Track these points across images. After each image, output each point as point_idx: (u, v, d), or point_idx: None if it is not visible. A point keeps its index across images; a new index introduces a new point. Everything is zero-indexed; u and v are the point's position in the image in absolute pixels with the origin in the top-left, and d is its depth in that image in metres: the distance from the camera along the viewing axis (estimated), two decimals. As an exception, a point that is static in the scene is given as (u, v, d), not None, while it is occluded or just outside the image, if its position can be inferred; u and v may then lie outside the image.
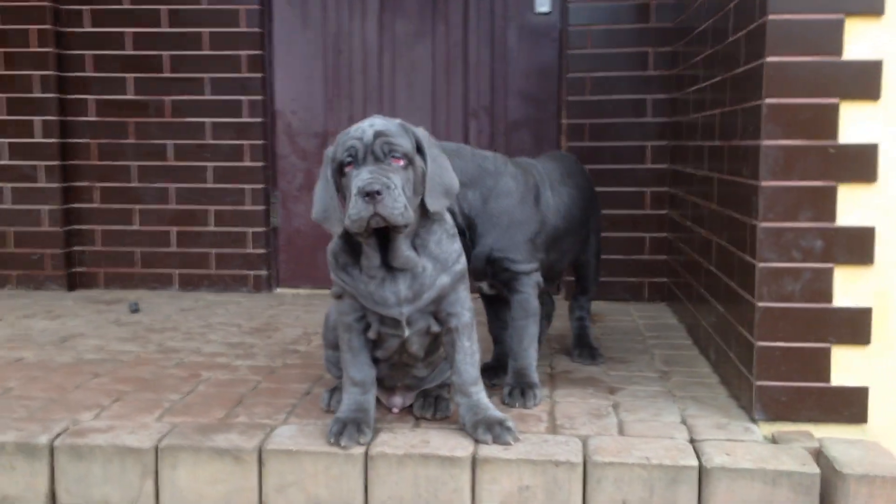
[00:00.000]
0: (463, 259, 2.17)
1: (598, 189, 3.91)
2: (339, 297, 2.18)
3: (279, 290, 4.34)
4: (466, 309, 2.18)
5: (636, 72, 4.00)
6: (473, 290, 2.30)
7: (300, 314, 3.72)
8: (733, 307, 2.45)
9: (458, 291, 2.16)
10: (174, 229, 4.30)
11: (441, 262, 2.12)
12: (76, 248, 4.34)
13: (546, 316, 2.98)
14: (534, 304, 2.50)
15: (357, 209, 1.94)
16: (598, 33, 4.00)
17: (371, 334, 2.16)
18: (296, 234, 4.34)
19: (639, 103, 4.01)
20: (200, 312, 3.76)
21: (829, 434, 2.18)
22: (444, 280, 2.12)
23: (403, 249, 2.06)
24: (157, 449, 2.13)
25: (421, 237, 2.10)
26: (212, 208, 4.28)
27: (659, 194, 4.00)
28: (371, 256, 2.07)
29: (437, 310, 2.14)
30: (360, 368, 2.18)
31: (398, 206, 1.94)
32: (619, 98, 4.01)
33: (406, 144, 2.02)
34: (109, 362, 2.88)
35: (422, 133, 2.10)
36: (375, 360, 2.22)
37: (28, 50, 4.19)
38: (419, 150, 2.07)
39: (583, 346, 2.92)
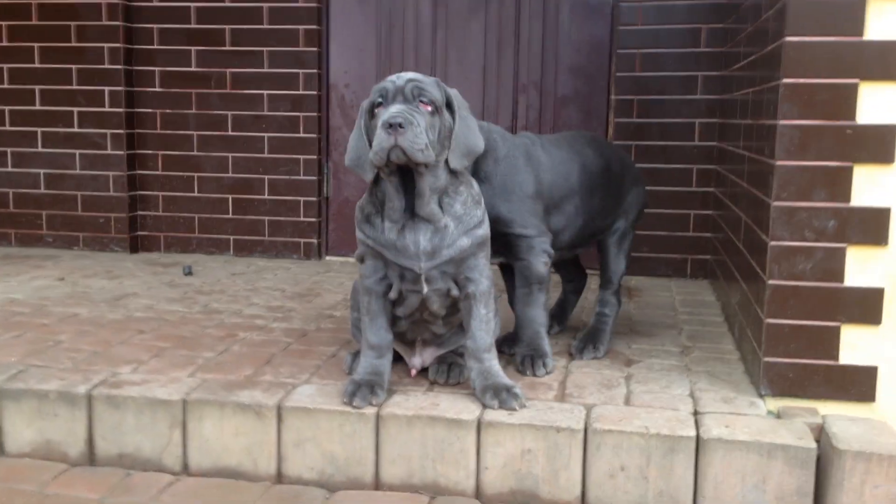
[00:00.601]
0: (486, 226, 2.25)
1: (644, 165, 3.97)
2: (361, 260, 2.29)
3: (328, 258, 4.48)
4: (485, 277, 2.26)
5: (687, 48, 3.97)
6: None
7: (344, 280, 3.85)
8: (752, 285, 2.46)
9: (477, 257, 2.24)
10: (231, 197, 4.48)
11: (464, 224, 2.20)
12: (139, 212, 4.55)
13: (574, 290, 3.02)
14: (536, 271, 2.50)
15: (379, 140, 2.05)
16: (650, 9, 3.98)
17: (392, 294, 2.25)
18: (346, 203, 4.46)
19: (689, 80, 3.98)
20: (249, 277, 3.93)
21: (836, 412, 2.18)
22: (465, 242, 2.20)
23: (428, 197, 2.14)
24: (185, 402, 2.27)
25: (449, 196, 2.19)
26: (266, 177, 4.43)
27: (705, 171, 3.98)
28: (394, 198, 2.16)
29: (457, 272, 2.23)
30: (377, 332, 2.28)
31: (419, 141, 2.03)
32: (669, 74, 3.99)
33: (436, 93, 2.12)
34: (155, 320, 3.06)
35: (454, 93, 2.20)
36: (396, 318, 2.32)
37: (98, 23, 4.39)
38: (449, 107, 2.16)
39: (584, 340, 2.71)
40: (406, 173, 2.14)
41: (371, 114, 2.15)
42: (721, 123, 3.76)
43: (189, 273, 3.95)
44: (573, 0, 4.16)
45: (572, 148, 2.71)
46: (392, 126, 2.02)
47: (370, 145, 2.14)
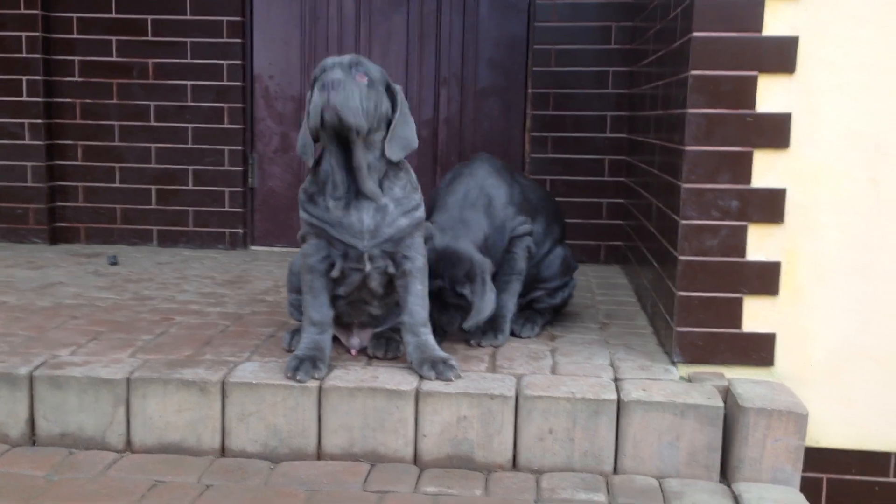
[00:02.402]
0: (422, 209, 2.39)
1: (559, 155, 4.18)
2: (303, 240, 2.39)
3: (254, 248, 4.53)
4: (420, 254, 2.39)
5: (598, 45, 4.19)
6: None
7: (272, 269, 3.92)
8: (664, 262, 2.67)
9: (414, 237, 2.37)
10: (154, 187, 4.48)
11: (402, 206, 2.34)
12: (59, 203, 4.51)
13: None
14: (520, 264, 2.74)
15: (314, 102, 2.17)
16: (563, 7, 4.18)
17: (335, 272, 2.36)
18: (271, 194, 4.52)
19: (601, 75, 4.20)
20: (177, 266, 3.96)
21: (740, 375, 2.40)
22: (403, 222, 2.33)
23: (365, 170, 2.26)
24: (128, 380, 2.33)
25: (389, 179, 2.33)
26: (191, 168, 4.45)
27: (617, 162, 4.21)
28: (336, 172, 2.28)
29: (395, 251, 2.35)
30: (318, 309, 2.39)
31: (351, 102, 2.15)
32: (582, 70, 4.20)
33: (375, 72, 2.25)
34: (87, 307, 3.08)
35: (398, 88, 2.33)
36: (335, 298, 2.43)
37: (16, 11, 4.33)
38: (391, 95, 2.29)
39: (485, 326, 2.70)
40: (345, 149, 2.25)
41: (313, 87, 2.25)
42: (631, 116, 3.99)
43: (114, 263, 3.95)
44: (492, -3, 4.34)
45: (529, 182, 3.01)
46: (325, 85, 2.14)
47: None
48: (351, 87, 2.16)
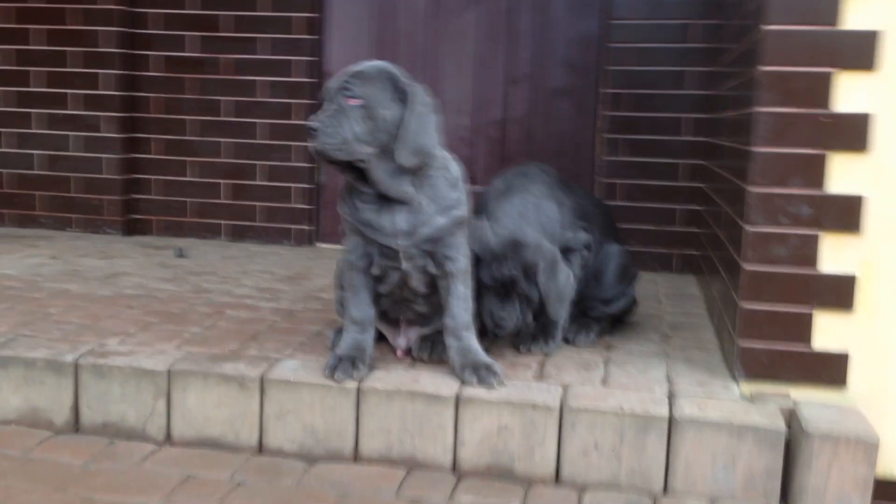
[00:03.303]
0: (463, 207, 2.29)
1: (633, 159, 4.03)
2: (345, 234, 2.34)
3: (319, 245, 4.52)
4: (462, 255, 2.30)
5: (677, 44, 4.01)
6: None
7: (333, 266, 3.88)
8: (731, 273, 2.51)
9: (455, 237, 2.28)
10: (225, 182, 4.51)
11: (438, 204, 2.25)
12: (134, 195, 4.59)
13: None
14: (574, 271, 2.59)
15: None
16: (641, 4, 4.02)
17: (374, 269, 2.30)
18: (337, 191, 4.49)
19: (678, 75, 4.03)
20: (241, 260, 3.97)
21: (808, 396, 2.22)
22: (441, 221, 2.24)
23: (388, 181, 2.20)
24: (169, 372, 2.31)
25: (418, 178, 2.24)
26: (259, 163, 4.47)
27: (693, 167, 4.03)
28: (358, 186, 2.26)
29: (434, 251, 2.27)
30: (359, 307, 2.33)
31: (331, 141, 2.12)
32: (659, 69, 4.04)
33: (367, 88, 2.15)
34: (144, 297, 3.10)
35: (414, 88, 2.20)
36: (378, 296, 2.36)
37: (97, 6, 4.43)
38: (402, 101, 2.18)
39: (535, 331, 2.60)
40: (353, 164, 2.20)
41: None
42: (710, 119, 3.81)
43: (181, 255, 3.99)
44: (567, -6, 4.21)
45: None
46: (308, 130, 2.15)
47: None
48: (332, 123, 2.12)
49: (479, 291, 2.43)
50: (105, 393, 2.34)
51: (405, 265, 2.27)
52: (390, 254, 2.27)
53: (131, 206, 4.60)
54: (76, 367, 2.35)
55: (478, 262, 2.44)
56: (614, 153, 4.10)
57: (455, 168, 2.32)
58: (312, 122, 2.13)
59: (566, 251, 2.58)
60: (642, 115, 4.07)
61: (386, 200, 2.23)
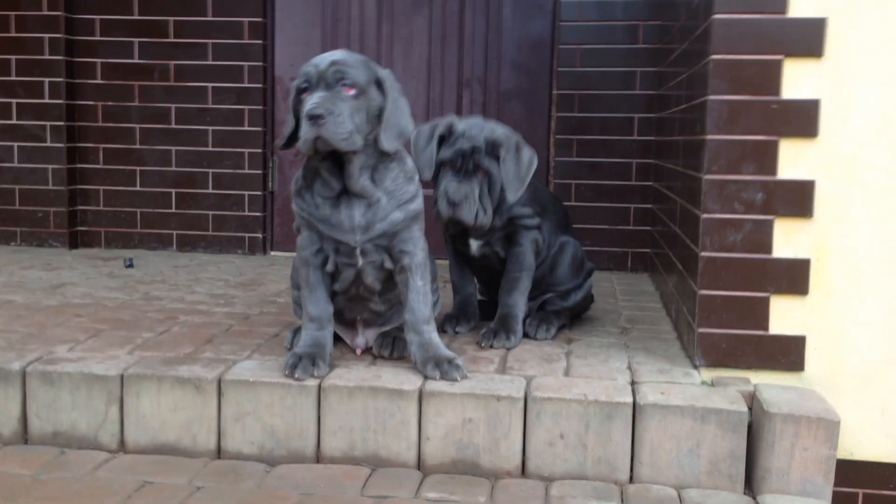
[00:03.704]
0: (419, 200, 2.28)
1: (585, 159, 4.06)
2: (298, 231, 2.30)
3: (273, 253, 4.46)
4: (419, 248, 2.28)
5: (626, 45, 4.06)
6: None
7: (288, 272, 3.82)
8: (687, 262, 2.52)
9: (411, 230, 2.26)
10: (174, 191, 4.43)
11: (396, 198, 2.22)
12: (80, 207, 4.48)
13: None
14: (529, 259, 2.62)
15: (304, 131, 2.08)
16: (589, 5, 4.06)
17: (329, 266, 2.26)
18: (291, 198, 4.43)
19: (628, 75, 4.07)
20: (192, 269, 3.89)
21: (767, 381, 2.24)
22: (398, 215, 2.22)
23: (358, 176, 2.17)
24: (122, 377, 2.24)
25: (379, 172, 2.21)
26: (211, 171, 4.40)
27: (645, 165, 4.07)
28: (328, 180, 2.19)
29: (390, 245, 2.24)
30: (316, 304, 2.29)
31: (340, 131, 2.06)
32: (609, 70, 4.08)
33: (359, 76, 2.13)
34: (93, 306, 3.01)
35: (385, 74, 2.21)
36: (333, 294, 2.32)
37: (39, 13, 4.32)
38: (380, 87, 2.17)
39: (496, 326, 2.60)
40: (338, 157, 2.16)
41: (298, 98, 2.17)
42: (659, 118, 3.85)
43: (130, 265, 3.90)
44: (516, -3, 4.24)
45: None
46: (314, 117, 2.05)
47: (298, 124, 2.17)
48: (339, 111, 2.07)
49: (437, 171, 2.51)
50: (54, 401, 2.26)
51: (361, 262, 2.24)
52: (346, 250, 2.23)
53: (77, 218, 4.48)
54: (24, 374, 2.27)
55: (440, 141, 2.52)
56: (568, 154, 4.13)
57: (410, 161, 2.31)
58: (318, 110, 2.04)
59: (517, 226, 2.60)
60: (594, 116, 4.10)
61: (345, 195, 2.20)
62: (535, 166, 2.56)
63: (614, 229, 4.12)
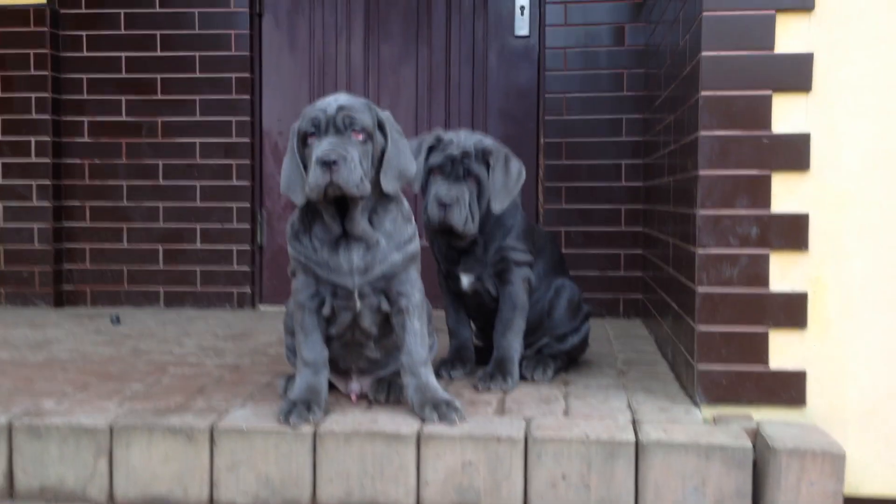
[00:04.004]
0: (416, 242, 2.26)
1: (574, 206, 4.07)
2: (293, 274, 2.27)
3: (262, 308, 4.42)
4: (417, 290, 2.25)
5: (611, 92, 4.11)
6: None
7: (278, 325, 3.79)
8: (683, 300, 2.51)
9: (409, 272, 2.24)
10: (161, 247, 4.40)
11: (394, 240, 2.21)
12: (65, 266, 4.43)
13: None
14: (521, 298, 2.60)
15: (315, 177, 2.05)
16: (574, 54, 4.12)
17: (325, 310, 2.23)
18: (280, 252, 4.42)
19: (614, 123, 4.11)
20: (181, 324, 3.84)
21: (769, 417, 2.21)
22: (396, 257, 2.20)
23: (360, 220, 2.15)
24: (111, 428, 2.18)
25: (378, 214, 2.20)
26: (199, 226, 4.38)
27: (634, 211, 4.08)
28: (331, 224, 2.17)
29: (388, 288, 2.22)
30: (312, 348, 2.25)
31: (354, 177, 2.05)
32: (595, 118, 4.12)
33: (367, 120, 2.13)
34: (80, 360, 2.96)
35: (386, 116, 2.21)
36: (328, 340, 2.29)
37: (26, 73, 4.34)
38: (381, 129, 2.17)
39: (493, 369, 2.58)
40: (340, 199, 2.14)
41: (304, 142, 2.16)
42: (647, 164, 3.88)
43: (117, 322, 3.84)
44: (501, 46, 4.29)
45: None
46: (326, 164, 2.04)
47: (304, 169, 2.15)
48: (350, 156, 2.06)
49: (427, 180, 2.54)
50: (41, 455, 2.20)
51: (359, 305, 2.21)
52: (344, 293, 2.20)
53: (63, 277, 4.44)
54: (9, 428, 2.21)
55: (429, 150, 2.55)
56: (557, 201, 4.14)
57: (406, 203, 2.30)
58: (331, 155, 2.03)
59: (508, 262, 2.61)
60: (582, 163, 4.12)
61: (343, 239, 2.18)
62: (523, 178, 2.60)
63: (605, 275, 4.12)
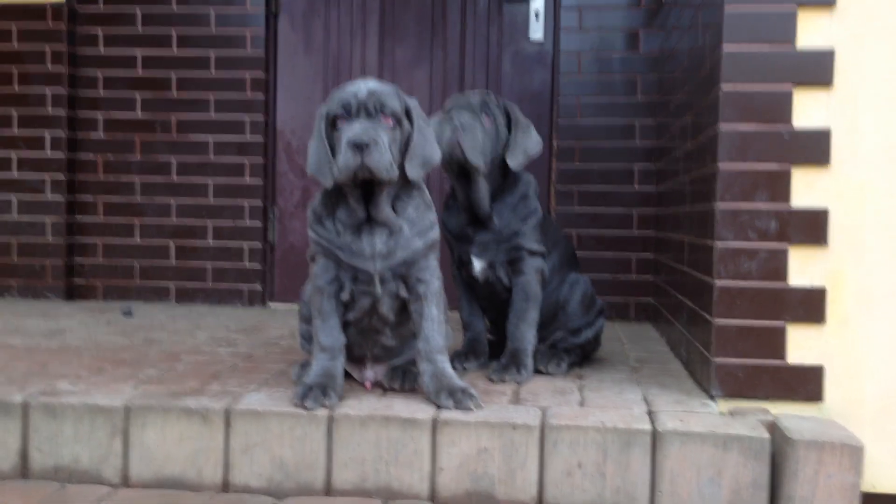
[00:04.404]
0: (437, 229, 2.27)
1: (586, 209, 4.07)
2: (313, 259, 2.27)
3: (272, 305, 4.42)
4: (435, 277, 2.26)
5: (625, 97, 4.12)
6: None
7: (289, 321, 3.79)
8: (699, 296, 2.51)
9: (428, 259, 2.24)
10: (173, 243, 4.41)
11: (417, 227, 2.21)
12: (77, 259, 4.44)
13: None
14: (534, 289, 2.60)
15: (346, 159, 2.05)
16: (588, 59, 4.13)
17: (344, 295, 2.23)
18: (291, 250, 4.43)
19: (627, 127, 4.12)
20: (192, 318, 3.84)
21: (786, 412, 2.21)
22: (418, 244, 2.21)
23: (385, 205, 2.16)
24: (126, 408, 2.19)
25: (402, 200, 2.20)
26: (211, 223, 4.39)
27: (645, 215, 4.08)
28: (356, 208, 2.17)
29: (407, 274, 2.22)
30: (329, 333, 2.25)
31: (384, 160, 2.06)
32: (608, 122, 4.13)
33: (396, 105, 2.14)
34: (94, 348, 2.96)
35: (413, 103, 2.22)
36: (345, 325, 2.29)
37: (43, 69, 4.36)
38: (408, 117, 2.18)
39: (507, 361, 2.57)
40: (367, 184, 2.15)
41: (333, 124, 2.16)
42: (659, 169, 3.88)
43: (128, 314, 3.85)
44: (515, 50, 4.30)
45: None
46: (358, 146, 2.04)
47: (331, 152, 2.15)
48: (381, 140, 2.07)
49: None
50: (56, 434, 2.20)
51: (379, 290, 2.22)
52: (365, 278, 2.21)
53: (74, 270, 4.45)
54: (25, 407, 2.21)
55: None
56: (569, 204, 4.15)
57: (426, 191, 2.30)
58: (363, 138, 2.04)
59: (521, 251, 2.62)
60: (594, 167, 4.13)
61: (366, 223, 2.18)
62: (539, 148, 2.69)
63: (616, 279, 4.12)
